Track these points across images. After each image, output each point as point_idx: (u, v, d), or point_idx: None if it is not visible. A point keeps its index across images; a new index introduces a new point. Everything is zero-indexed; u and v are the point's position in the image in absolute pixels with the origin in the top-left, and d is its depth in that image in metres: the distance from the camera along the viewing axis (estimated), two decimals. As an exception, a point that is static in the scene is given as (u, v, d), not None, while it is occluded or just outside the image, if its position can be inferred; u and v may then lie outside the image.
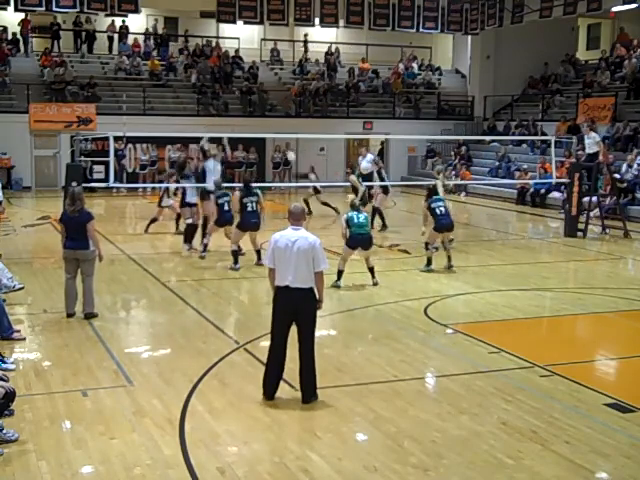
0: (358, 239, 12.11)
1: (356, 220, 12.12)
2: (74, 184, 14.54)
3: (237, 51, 31.95)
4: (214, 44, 32.11)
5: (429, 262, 13.49)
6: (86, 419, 6.66)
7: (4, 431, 6.11)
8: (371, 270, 12.36)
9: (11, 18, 29.49)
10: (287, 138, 25.52)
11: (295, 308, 7.05)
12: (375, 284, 12.25)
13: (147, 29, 32.34)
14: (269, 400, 7.12)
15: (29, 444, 6.11)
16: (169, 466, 5.82)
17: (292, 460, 5.96)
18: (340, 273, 12.15)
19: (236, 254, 13.49)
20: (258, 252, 13.58)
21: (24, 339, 8.99)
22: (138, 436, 6.34)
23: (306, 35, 33.40)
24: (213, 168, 15.60)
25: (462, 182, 26.81)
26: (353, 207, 12.47)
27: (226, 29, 33.03)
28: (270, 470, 5.82)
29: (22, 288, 11.25)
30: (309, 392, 7.13)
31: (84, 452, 6.03)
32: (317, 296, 7.16)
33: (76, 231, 9.81)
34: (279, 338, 7.14)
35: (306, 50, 33.41)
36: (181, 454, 6.01)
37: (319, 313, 7.29)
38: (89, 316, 9.93)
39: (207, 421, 6.69)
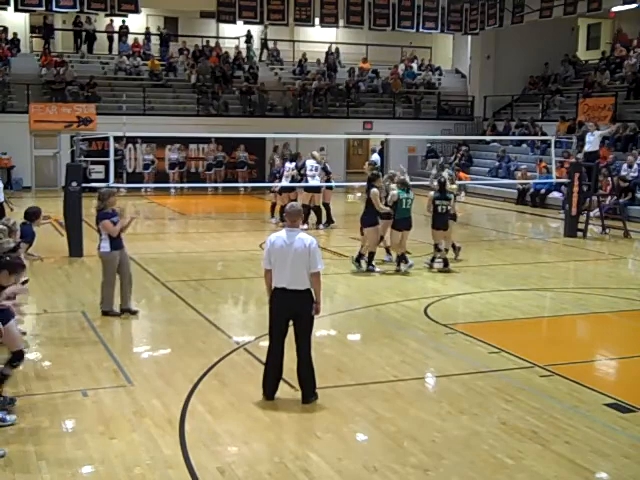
0: (404, 222, 12.92)
1: (404, 205, 12.85)
2: (74, 184, 14.61)
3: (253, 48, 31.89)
4: (214, 43, 32.18)
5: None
6: (86, 419, 6.66)
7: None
8: (403, 256, 13.16)
9: (11, 18, 29.50)
10: (287, 138, 25.51)
11: (292, 309, 7.02)
12: (398, 271, 13.09)
13: (147, 28, 32.34)
14: (269, 400, 7.12)
15: (29, 444, 6.11)
16: (169, 466, 5.82)
17: (292, 460, 5.96)
18: (399, 258, 13.13)
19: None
20: (370, 254, 13.22)
21: None
22: (138, 436, 6.34)
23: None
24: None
25: (461, 182, 26.81)
26: (404, 185, 13.03)
27: (226, 29, 33.03)
28: (270, 470, 5.82)
29: (27, 281, 11.21)
30: (308, 391, 7.12)
31: (84, 452, 6.03)
32: (314, 298, 7.09)
33: (98, 230, 10.11)
34: (277, 339, 7.13)
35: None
36: (181, 454, 6.01)
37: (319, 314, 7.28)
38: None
39: (207, 421, 6.69)
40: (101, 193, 10.15)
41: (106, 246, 9.94)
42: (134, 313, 10.14)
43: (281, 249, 7.01)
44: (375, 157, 27.44)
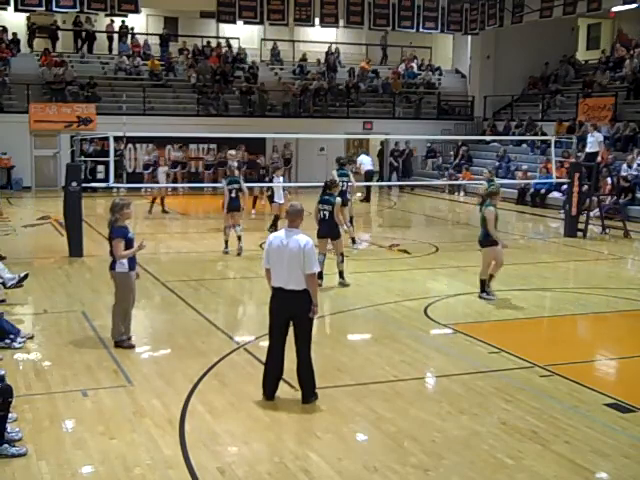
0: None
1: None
2: (74, 184, 14.58)
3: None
4: (215, 43, 32.21)
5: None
6: (86, 419, 6.66)
7: (9, 430, 6.11)
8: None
9: (11, 18, 29.50)
10: (287, 138, 25.50)
11: (291, 310, 7.02)
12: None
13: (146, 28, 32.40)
14: (269, 400, 7.12)
15: (29, 444, 6.10)
16: (169, 466, 5.82)
17: (292, 460, 5.96)
18: (483, 282, 11.37)
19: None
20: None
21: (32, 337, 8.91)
22: (138, 436, 6.34)
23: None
24: None
25: (461, 182, 26.86)
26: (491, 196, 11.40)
27: (226, 29, 33.05)
28: (270, 470, 5.82)
29: (27, 276, 11.21)
30: (308, 391, 7.12)
31: (84, 452, 6.03)
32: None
33: (110, 246, 8.72)
34: (277, 338, 7.13)
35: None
36: (181, 454, 6.01)
37: (318, 314, 7.27)
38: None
39: (207, 421, 6.69)
40: (114, 204, 8.76)
41: (124, 264, 8.59)
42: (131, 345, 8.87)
43: (278, 249, 7.03)
44: (363, 158, 26.53)
